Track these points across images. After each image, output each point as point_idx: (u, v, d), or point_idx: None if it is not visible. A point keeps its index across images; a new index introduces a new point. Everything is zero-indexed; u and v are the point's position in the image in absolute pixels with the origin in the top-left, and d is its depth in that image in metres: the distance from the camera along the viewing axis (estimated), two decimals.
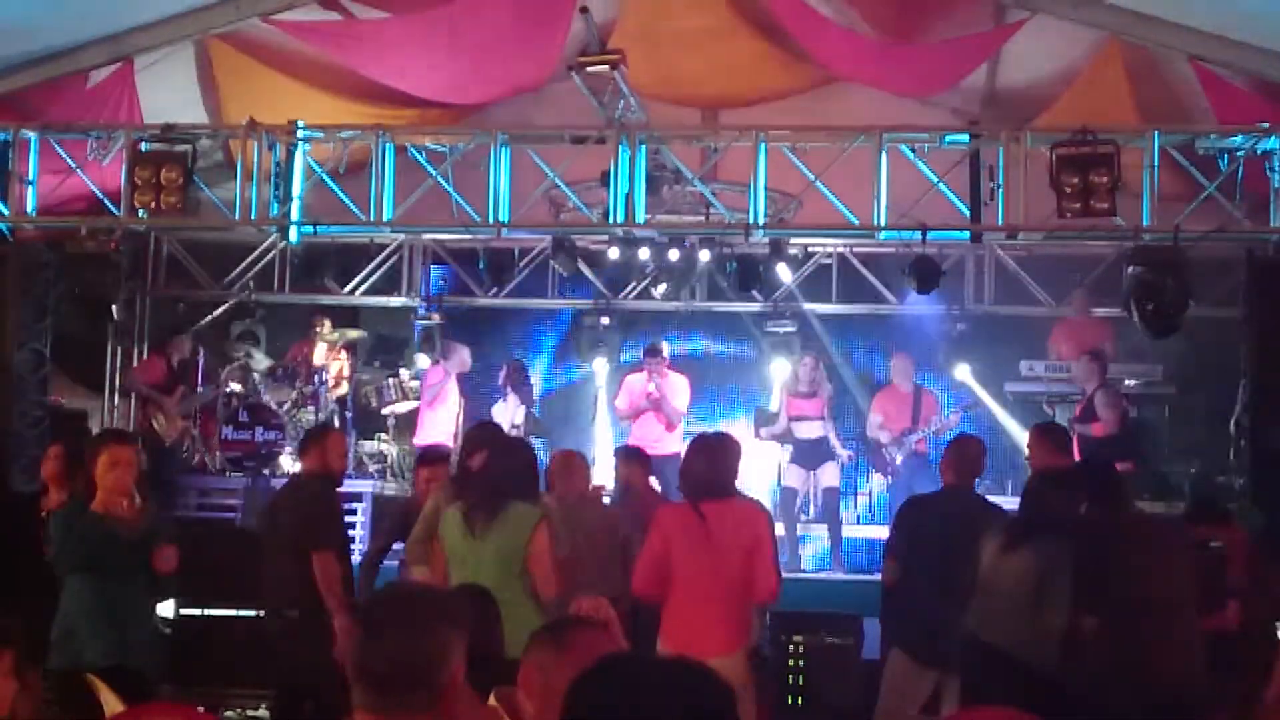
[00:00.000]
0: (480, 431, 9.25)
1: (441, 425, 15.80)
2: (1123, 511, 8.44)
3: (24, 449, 13.70)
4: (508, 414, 15.87)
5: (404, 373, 16.86)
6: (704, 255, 15.69)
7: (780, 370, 16.31)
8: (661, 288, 16.93)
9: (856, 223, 13.40)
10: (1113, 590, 7.87)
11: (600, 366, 16.81)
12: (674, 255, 15.64)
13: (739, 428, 15.61)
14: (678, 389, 15.35)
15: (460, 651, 3.67)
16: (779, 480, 15.68)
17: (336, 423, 15.97)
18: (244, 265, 17.41)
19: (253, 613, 11.10)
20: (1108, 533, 8.09)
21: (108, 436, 8.29)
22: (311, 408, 16.06)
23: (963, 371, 15.96)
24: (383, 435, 16.93)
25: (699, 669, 3.14)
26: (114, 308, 14.52)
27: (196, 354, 16.76)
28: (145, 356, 16.81)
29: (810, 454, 15.21)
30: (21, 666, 6.07)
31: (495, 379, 16.64)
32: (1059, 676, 7.85)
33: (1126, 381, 15.13)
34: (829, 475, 15.23)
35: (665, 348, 15.61)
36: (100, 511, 7.84)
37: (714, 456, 8.16)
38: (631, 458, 11.65)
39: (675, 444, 14.70)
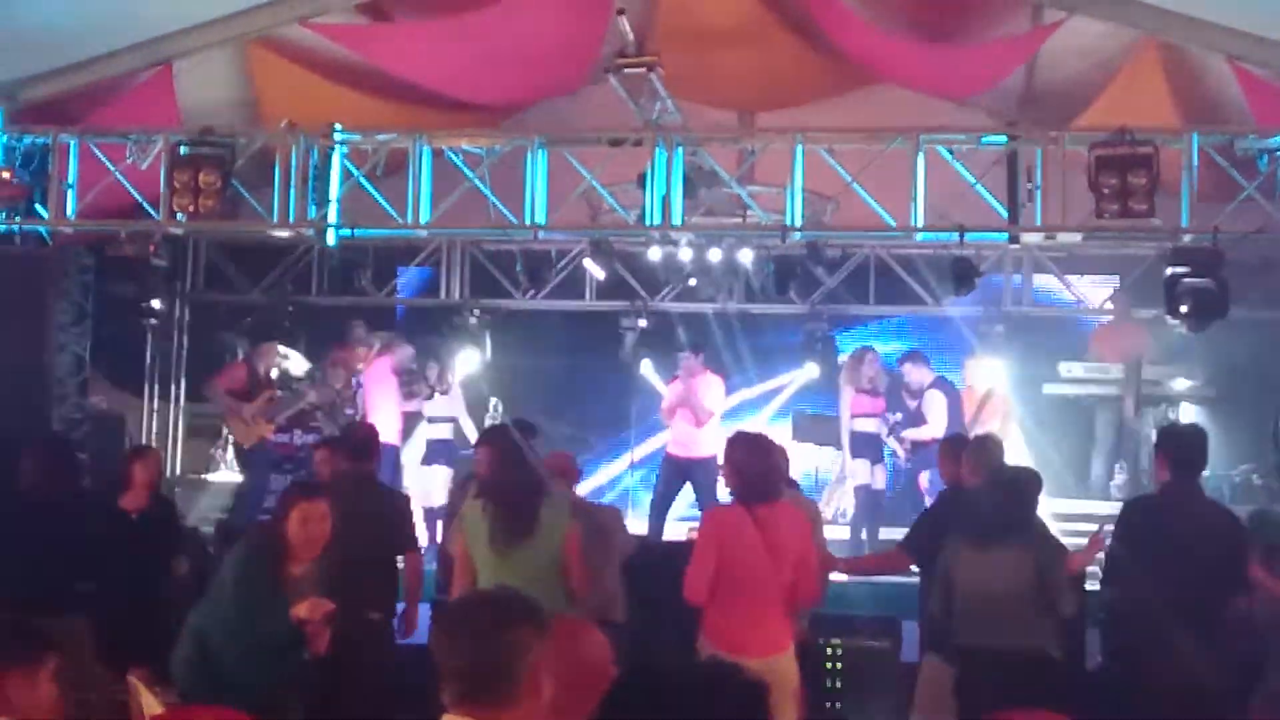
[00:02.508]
0: (495, 435, 9.19)
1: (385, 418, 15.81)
2: (1193, 485, 8.49)
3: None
4: (451, 407, 15.99)
5: (432, 373, 16.86)
6: (745, 255, 15.69)
7: (812, 371, 16.36)
8: (699, 290, 16.98)
9: (894, 224, 13.37)
10: (1142, 562, 7.97)
11: (648, 369, 16.82)
12: (715, 256, 15.65)
13: (776, 429, 15.64)
14: (709, 389, 15.33)
15: (540, 651, 3.83)
16: (818, 478, 15.73)
17: None
18: (282, 268, 17.47)
19: None
20: (1158, 505, 8.20)
21: (298, 493, 7.91)
22: (350, 411, 16.11)
23: (998, 375, 15.92)
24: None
25: (732, 670, 3.17)
26: (153, 311, 14.54)
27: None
28: (230, 362, 16.85)
29: (871, 448, 15.32)
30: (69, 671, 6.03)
31: (538, 382, 16.73)
32: (1065, 667, 7.94)
33: (1173, 383, 15.08)
34: (879, 476, 15.33)
35: (698, 347, 15.59)
36: (280, 577, 7.45)
37: (767, 458, 8.17)
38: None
39: (708, 447, 14.66)
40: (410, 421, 16.38)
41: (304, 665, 7.62)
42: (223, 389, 15.86)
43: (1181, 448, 8.61)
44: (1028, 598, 8.01)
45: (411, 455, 16.40)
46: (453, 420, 16.29)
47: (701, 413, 15.08)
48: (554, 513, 8.02)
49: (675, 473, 15.11)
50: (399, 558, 9.62)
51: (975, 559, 8.21)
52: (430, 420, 16.30)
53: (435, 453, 16.16)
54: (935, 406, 15.11)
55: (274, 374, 16.56)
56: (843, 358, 16.45)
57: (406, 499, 9.94)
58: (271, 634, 7.30)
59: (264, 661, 7.36)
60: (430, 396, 16.36)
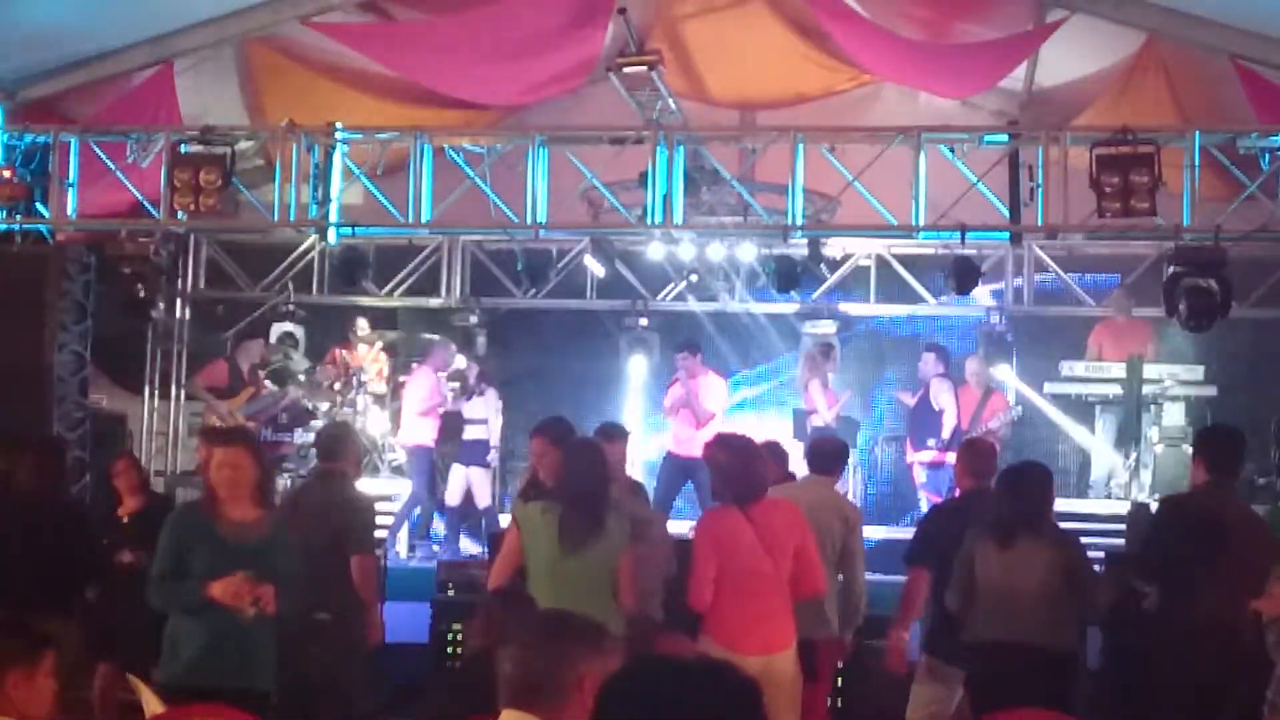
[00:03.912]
0: (555, 429, 9.10)
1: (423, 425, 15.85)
2: (1230, 487, 8.60)
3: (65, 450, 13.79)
4: (487, 409, 15.98)
5: (440, 374, 16.84)
6: (746, 254, 15.65)
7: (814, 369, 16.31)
8: (700, 289, 16.97)
9: (895, 223, 13.37)
10: (1181, 564, 7.97)
11: (636, 366, 16.77)
12: (716, 255, 15.62)
13: (773, 428, 15.65)
14: (711, 389, 15.34)
15: (592, 666, 3.90)
16: None
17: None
18: (283, 267, 17.44)
19: None
20: (1196, 506, 8.20)
21: (213, 437, 8.01)
22: (350, 410, 16.09)
23: (1004, 373, 15.89)
24: None
25: (727, 669, 3.17)
26: (153, 310, 14.53)
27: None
28: (209, 358, 16.82)
29: None
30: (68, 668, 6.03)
31: (537, 381, 16.70)
32: (1077, 663, 7.96)
33: (1174, 382, 15.03)
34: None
35: (695, 346, 15.61)
36: (212, 515, 7.45)
37: (751, 458, 8.15)
38: None
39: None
40: (452, 422, 16.34)
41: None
42: (203, 386, 15.84)
43: (1220, 450, 8.62)
44: (1054, 594, 8.02)
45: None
46: (485, 422, 16.22)
47: (702, 414, 15.08)
48: (618, 519, 7.87)
49: (676, 471, 15.09)
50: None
51: (999, 556, 8.19)
52: (468, 422, 16.27)
53: (469, 453, 16.12)
54: (945, 394, 15.04)
55: (286, 373, 16.56)
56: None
57: (367, 502, 9.71)
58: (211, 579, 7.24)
59: (214, 630, 7.29)
60: (469, 398, 16.32)
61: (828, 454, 9.97)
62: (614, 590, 7.72)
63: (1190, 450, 14.77)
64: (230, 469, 7.48)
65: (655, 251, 15.45)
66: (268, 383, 16.40)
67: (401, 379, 17.06)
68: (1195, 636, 7.85)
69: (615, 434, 9.79)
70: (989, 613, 8.24)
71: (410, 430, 15.74)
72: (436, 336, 16.86)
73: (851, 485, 15.83)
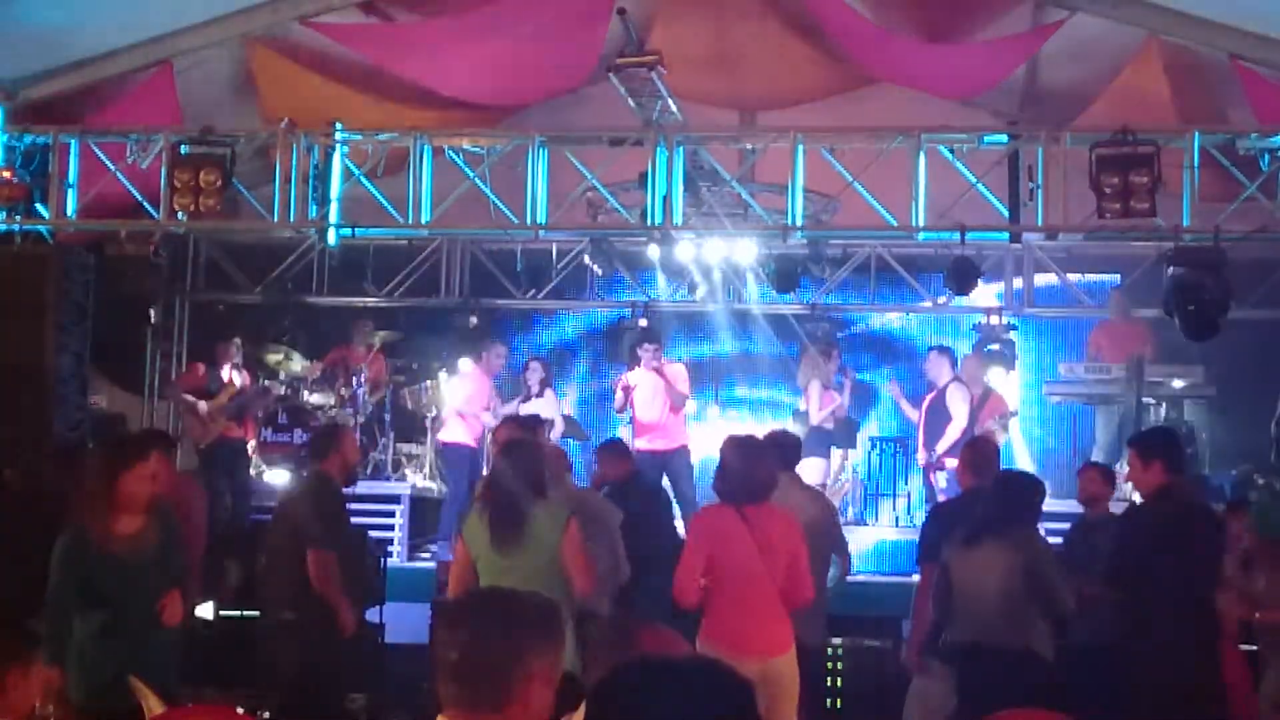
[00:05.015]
0: (509, 424, 9.17)
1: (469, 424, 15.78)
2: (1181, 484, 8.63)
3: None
4: (547, 411, 15.94)
5: (441, 375, 16.83)
6: (746, 255, 15.64)
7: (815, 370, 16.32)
8: (700, 290, 16.95)
9: (895, 223, 13.36)
10: (1142, 567, 8.00)
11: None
12: (716, 254, 15.61)
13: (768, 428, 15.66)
14: (678, 375, 15.35)
15: (542, 662, 3.68)
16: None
17: (375, 425, 16.07)
18: (282, 267, 17.45)
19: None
20: (1161, 512, 8.22)
21: (132, 452, 7.68)
22: (350, 410, 16.08)
23: (1003, 373, 15.87)
24: (420, 437, 16.90)
25: (722, 668, 3.17)
26: (153, 310, 14.51)
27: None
28: (189, 360, 16.80)
29: (828, 445, 15.38)
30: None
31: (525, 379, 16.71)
32: (1054, 665, 8.01)
33: (1174, 383, 15.03)
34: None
35: (657, 338, 15.67)
36: (101, 537, 7.38)
37: (755, 459, 8.15)
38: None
39: (681, 437, 15.06)
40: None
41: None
42: (183, 389, 15.82)
43: (1180, 451, 8.71)
44: (1018, 596, 8.05)
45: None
46: (549, 422, 16.19)
47: (679, 399, 15.05)
48: (550, 516, 7.90)
49: (654, 468, 14.99)
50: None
51: (966, 555, 8.28)
52: None
53: None
54: (960, 402, 14.99)
55: (276, 376, 16.56)
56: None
57: (324, 497, 9.49)
58: (103, 591, 7.31)
59: (122, 652, 7.30)
60: (525, 399, 16.29)
61: (787, 449, 9.96)
62: (563, 581, 7.73)
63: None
64: (145, 483, 7.49)
65: (655, 251, 15.43)
66: (266, 381, 16.42)
67: (401, 378, 17.08)
68: (1172, 635, 7.90)
69: (528, 425, 9.94)
70: (959, 614, 8.32)
71: (452, 429, 15.72)
72: (494, 339, 16.75)
73: (851, 485, 15.88)
